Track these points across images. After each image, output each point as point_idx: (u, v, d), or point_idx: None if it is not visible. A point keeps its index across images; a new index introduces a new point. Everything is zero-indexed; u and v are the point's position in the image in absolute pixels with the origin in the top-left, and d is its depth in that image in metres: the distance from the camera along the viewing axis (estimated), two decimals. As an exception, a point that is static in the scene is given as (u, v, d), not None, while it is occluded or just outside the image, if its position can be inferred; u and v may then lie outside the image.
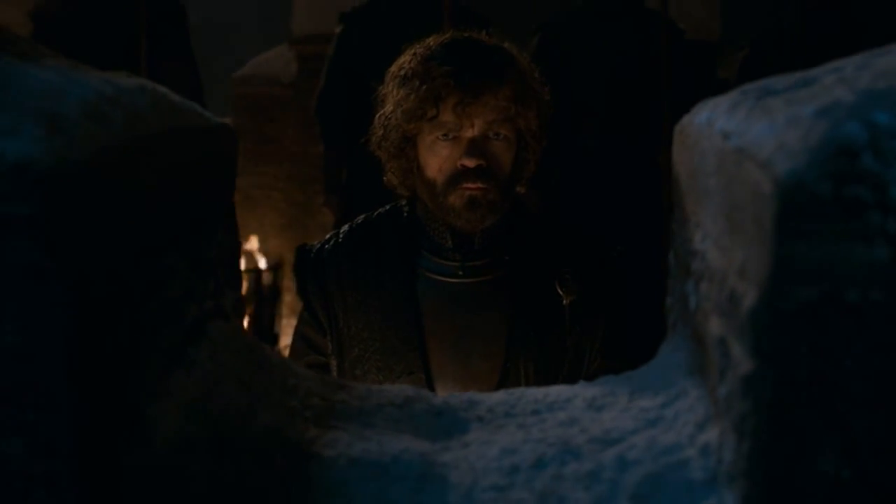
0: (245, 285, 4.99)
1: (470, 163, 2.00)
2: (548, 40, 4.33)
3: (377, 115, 2.14)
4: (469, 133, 2.00)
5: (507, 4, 5.49)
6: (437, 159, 2.02)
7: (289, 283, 5.45)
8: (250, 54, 6.35)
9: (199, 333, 1.16)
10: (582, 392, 1.22)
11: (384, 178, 2.18)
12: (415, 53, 2.07)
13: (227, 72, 6.13)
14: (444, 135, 2.02)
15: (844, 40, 2.96)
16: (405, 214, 2.16)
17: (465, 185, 2.00)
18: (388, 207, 2.21)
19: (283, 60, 6.13)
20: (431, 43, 2.08)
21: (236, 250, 1.34)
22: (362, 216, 2.20)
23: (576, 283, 2.02)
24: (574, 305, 2.01)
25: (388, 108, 2.08)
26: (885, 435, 0.83)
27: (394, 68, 2.12)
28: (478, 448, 1.11)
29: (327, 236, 2.20)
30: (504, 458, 1.06)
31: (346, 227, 2.18)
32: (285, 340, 5.24)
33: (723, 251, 0.97)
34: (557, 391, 1.25)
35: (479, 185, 2.00)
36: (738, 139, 0.94)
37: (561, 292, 2.01)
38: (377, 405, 1.21)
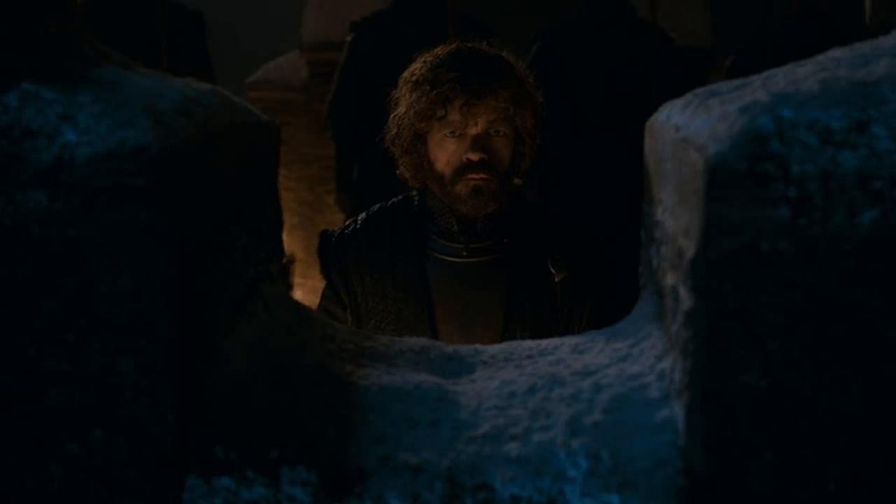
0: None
1: (474, 156, 2.27)
2: (546, 48, 4.59)
3: (391, 116, 2.40)
4: (473, 130, 2.28)
5: (508, 14, 5.75)
6: (445, 154, 2.30)
7: (300, 278, 5.70)
8: (263, 60, 6.62)
9: (254, 291, 1.42)
10: (568, 341, 1.48)
11: (397, 171, 2.45)
12: (425, 61, 2.34)
13: (241, 77, 6.39)
14: (451, 132, 2.29)
15: (822, 48, 3.24)
16: (415, 203, 2.43)
17: (469, 175, 2.27)
18: (400, 197, 2.48)
19: (294, 66, 6.40)
20: (439, 52, 2.35)
21: (280, 226, 1.60)
22: (377, 205, 2.47)
23: (566, 263, 2.29)
24: (564, 283, 2.27)
25: (401, 109, 2.35)
26: (793, 353, 1.09)
27: (406, 74, 2.39)
28: (482, 382, 1.37)
29: (346, 222, 2.47)
30: (503, 388, 1.33)
31: (363, 215, 2.45)
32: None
33: (675, 218, 1.24)
34: (548, 342, 1.51)
35: (483, 175, 2.27)
36: (685, 130, 1.20)
37: (553, 271, 2.28)
38: (399, 351, 1.47)
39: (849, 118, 1.08)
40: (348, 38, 4.85)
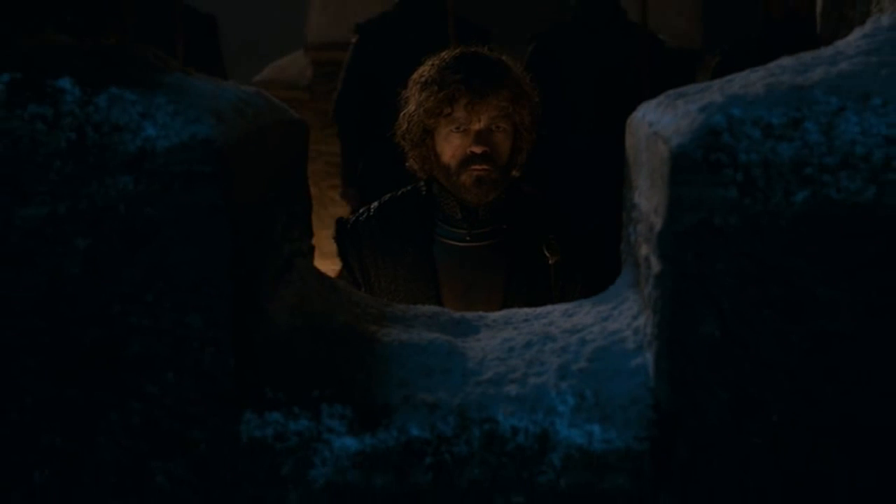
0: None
1: (477, 149, 2.52)
2: (542, 49, 4.83)
3: (401, 113, 2.65)
4: (476, 126, 2.52)
5: (505, 17, 5.99)
6: (451, 147, 2.55)
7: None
8: (269, 60, 6.85)
9: (290, 264, 1.67)
10: (559, 307, 1.73)
11: (406, 163, 2.69)
12: (433, 64, 2.59)
13: (248, 76, 6.63)
14: (457, 128, 2.54)
15: (800, 50, 3.48)
16: (423, 192, 2.68)
17: (473, 167, 2.52)
18: (409, 187, 2.73)
19: (299, 66, 6.63)
20: (446, 56, 2.59)
21: (310, 210, 1.84)
22: (388, 194, 2.72)
23: (559, 247, 2.53)
24: (557, 265, 2.52)
25: (411, 107, 2.59)
26: (742, 309, 1.34)
27: (415, 76, 2.63)
28: (486, 340, 1.61)
29: (360, 211, 2.71)
30: (504, 344, 1.57)
31: (375, 203, 2.70)
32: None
33: (648, 200, 1.48)
34: (542, 308, 1.75)
35: (485, 166, 2.52)
36: (656, 126, 1.45)
37: (547, 254, 2.53)
38: (414, 315, 1.72)
39: (786, 116, 1.32)
40: (353, 40, 5.08)
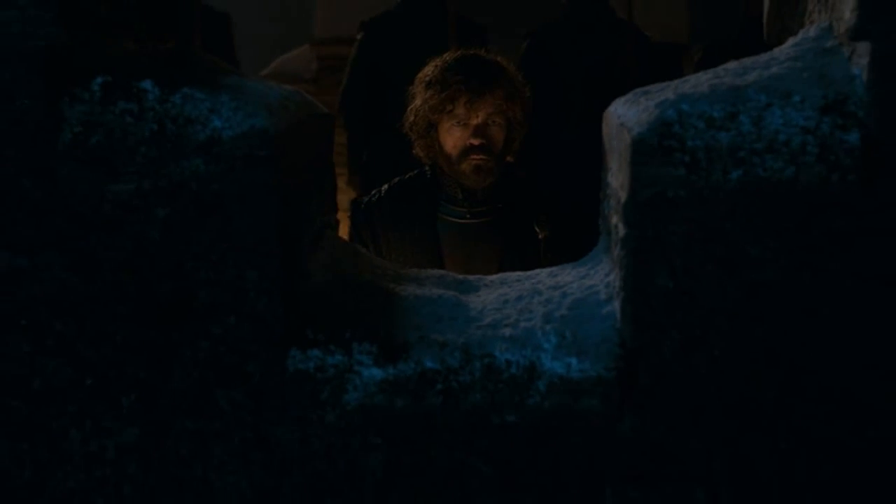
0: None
1: (476, 141, 2.86)
2: (535, 45, 5.16)
3: (408, 108, 2.98)
4: (475, 121, 2.86)
5: (502, 15, 6.31)
6: (453, 139, 2.89)
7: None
8: (276, 54, 7.18)
9: (322, 233, 2.00)
10: (546, 270, 2.06)
11: (413, 150, 3.03)
12: (436, 65, 2.92)
13: (257, 69, 6.95)
14: (458, 122, 2.88)
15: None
16: (428, 176, 3.02)
17: (472, 156, 2.86)
18: (415, 172, 3.07)
19: (305, 60, 6.96)
20: (448, 58, 2.93)
21: (335, 189, 2.18)
22: (397, 178, 3.06)
23: (548, 224, 2.87)
24: (546, 240, 2.86)
25: (417, 103, 2.93)
26: (689, 264, 1.67)
27: (420, 75, 2.96)
28: (485, 295, 1.95)
29: (372, 192, 3.05)
30: (500, 298, 1.91)
31: (385, 186, 3.04)
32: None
33: (616, 178, 1.82)
34: (532, 271, 2.09)
35: (482, 156, 2.86)
36: (623, 118, 1.78)
37: (537, 230, 2.87)
38: (425, 276, 2.06)
39: (725, 110, 1.66)
40: (358, 36, 5.40)
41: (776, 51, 1.86)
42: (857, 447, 1.68)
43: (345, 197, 6.09)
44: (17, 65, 1.66)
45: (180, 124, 1.68)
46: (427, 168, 3.05)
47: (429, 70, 2.95)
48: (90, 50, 1.72)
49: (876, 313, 1.65)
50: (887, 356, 1.65)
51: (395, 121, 3.96)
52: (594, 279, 1.89)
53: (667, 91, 1.76)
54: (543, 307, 1.83)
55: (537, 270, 2.07)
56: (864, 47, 1.65)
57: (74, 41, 1.68)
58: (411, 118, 2.98)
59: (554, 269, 2.04)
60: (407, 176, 3.06)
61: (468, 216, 2.95)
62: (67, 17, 1.65)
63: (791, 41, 1.88)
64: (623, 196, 1.71)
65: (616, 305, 1.77)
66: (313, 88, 6.80)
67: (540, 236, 2.86)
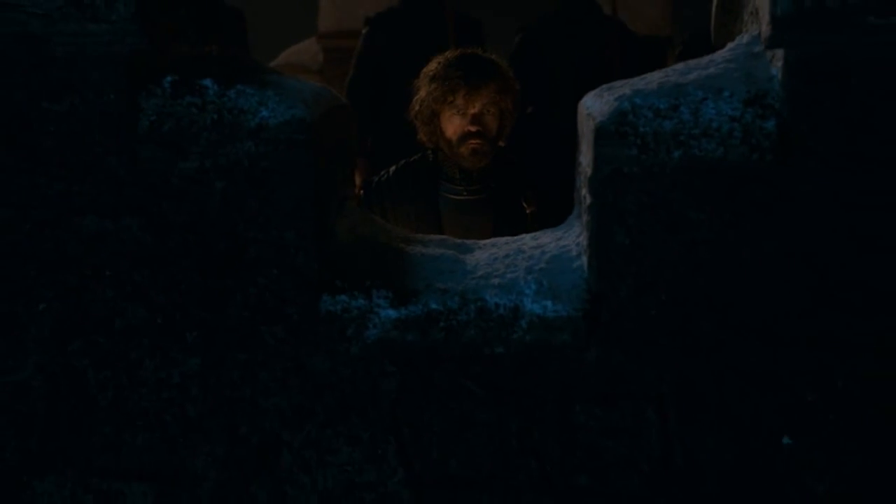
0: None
1: (472, 128, 3.29)
2: (527, 39, 5.58)
3: (414, 99, 3.41)
4: (472, 110, 3.29)
5: (496, 11, 6.73)
6: (453, 126, 3.32)
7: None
8: (284, 46, 7.59)
9: (343, 204, 2.43)
10: (529, 235, 2.49)
11: (417, 137, 3.45)
12: (439, 62, 3.35)
13: (265, 61, 7.36)
14: (457, 112, 3.30)
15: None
16: (430, 158, 3.45)
17: (469, 141, 3.29)
18: (419, 155, 3.49)
19: (311, 52, 7.38)
20: (449, 56, 3.36)
21: (354, 167, 2.60)
22: (403, 161, 3.48)
23: (534, 200, 3.30)
24: (533, 214, 3.28)
25: (422, 94, 3.36)
26: (641, 225, 2.10)
27: (425, 70, 3.39)
28: (478, 255, 2.37)
29: (382, 172, 3.48)
30: (491, 256, 2.34)
31: (393, 167, 3.47)
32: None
33: (585, 157, 2.24)
34: (518, 236, 2.51)
35: (478, 141, 3.29)
36: (590, 109, 2.21)
37: (525, 206, 3.30)
38: (430, 240, 2.48)
39: (669, 103, 2.08)
40: (363, 31, 5.80)
41: (716, 54, 2.29)
42: (772, 370, 2.11)
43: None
44: (105, 67, 2.08)
45: (235, 114, 2.10)
46: (429, 151, 3.48)
47: (432, 66, 3.38)
48: (161, 54, 2.14)
49: (787, 262, 2.07)
50: (797, 297, 2.08)
51: (397, 109, 4.38)
52: (567, 240, 2.32)
53: (625, 87, 2.18)
54: (526, 262, 2.25)
55: (522, 235, 2.49)
56: (780, 53, 2.07)
57: (150, 48, 2.10)
58: (416, 108, 3.40)
59: (536, 233, 2.47)
60: (412, 159, 3.49)
61: (465, 193, 3.38)
62: (146, 29, 2.07)
63: (729, 45, 2.31)
64: (589, 171, 2.14)
65: (584, 260, 2.20)
66: (319, 78, 7.20)
67: (528, 211, 3.29)
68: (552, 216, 3.29)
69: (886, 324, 2.08)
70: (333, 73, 6.93)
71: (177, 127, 2.10)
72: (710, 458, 2.16)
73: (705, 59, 2.28)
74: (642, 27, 6.33)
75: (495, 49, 5.44)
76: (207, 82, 2.11)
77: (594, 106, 2.19)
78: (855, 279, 2.07)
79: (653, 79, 2.20)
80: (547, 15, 5.69)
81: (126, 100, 2.10)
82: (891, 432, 2.13)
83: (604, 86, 2.32)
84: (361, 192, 3.43)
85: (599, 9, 5.66)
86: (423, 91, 3.37)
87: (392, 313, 2.15)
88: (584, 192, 2.23)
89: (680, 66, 2.27)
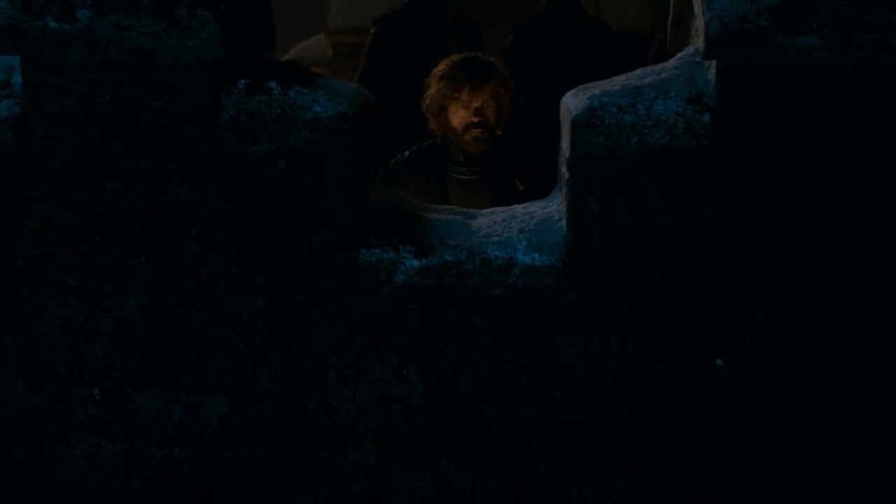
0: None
1: (475, 119, 3.93)
2: (520, 37, 6.20)
3: (426, 94, 4.03)
4: (475, 104, 3.92)
5: (492, 12, 7.35)
6: (458, 118, 3.95)
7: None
8: (295, 41, 8.20)
9: (374, 181, 3.05)
10: (522, 204, 3.12)
11: (428, 126, 4.08)
12: (447, 64, 3.98)
13: (279, 55, 7.98)
14: (462, 105, 3.94)
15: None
16: (439, 145, 4.08)
17: (472, 130, 3.92)
18: (428, 142, 4.12)
19: (321, 47, 7.99)
20: (455, 59, 3.99)
21: (381, 151, 3.23)
22: (416, 146, 4.11)
23: (525, 178, 3.93)
24: (525, 191, 3.91)
25: (432, 91, 3.99)
26: (608, 195, 2.73)
27: (435, 71, 4.01)
28: (481, 220, 3.01)
29: (397, 156, 4.11)
30: (490, 221, 2.97)
31: (407, 152, 4.10)
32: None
33: (564, 143, 2.87)
34: (511, 206, 3.14)
35: (480, 130, 3.93)
36: (568, 105, 2.84)
37: (518, 184, 3.93)
38: (441, 209, 3.11)
39: (629, 101, 2.71)
40: (372, 30, 6.40)
41: (668, 62, 2.91)
42: (708, 307, 2.75)
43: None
44: (195, 72, 2.70)
45: (294, 109, 2.73)
46: (438, 139, 4.11)
47: (441, 67, 4.01)
48: (236, 63, 2.77)
49: (718, 223, 2.71)
50: (726, 249, 2.71)
51: (403, 101, 5.04)
52: (551, 208, 2.95)
53: (595, 88, 2.81)
54: (518, 225, 2.89)
55: (515, 205, 3.12)
56: (713, 63, 2.70)
57: (229, 57, 2.72)
58: (427, 102, 4.04)
59: (526, 203, 3.10)
60: (423, 145, 4.12)
61: (468, 173, 4.01)
62: (226, 44, 2.69)
63: (678, 55, 2.94)
64: (567, 154, 2.77)
65: (563, 223, 2.83)
66: (328, 71, 7.81)
67: (520, 188, 3.92)
68: (539, 190, 3.92)
69: (795, 270, 2.71)
70: (341, 66, 7.53)
71: (249, 119, 2.73)
72: (661, 376, 2.79)
73: (659, 66, 2.91)
74: (624, 26, 6.95)
75: (488, 43, 6.09)
76: (272, 84, 2.74)
77: (572, 103, 2.82)
78: (770, 235, 2.71)
79: (617, 81, 2.83)
80: (537, 15, 6.31)
81: (210, 98, 2.72)
82: (800, 355, 2.76)
83: (580, 87, 2.95)
84: (381, 171, 4.06)
85: (584, 10, 6.28)
86: (433, 88, 4.00)
87: (415, 263, 2.78)
88: (563, 169, 2.86)
89: (639, 71, 2.90)
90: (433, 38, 5.94)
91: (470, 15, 6.33)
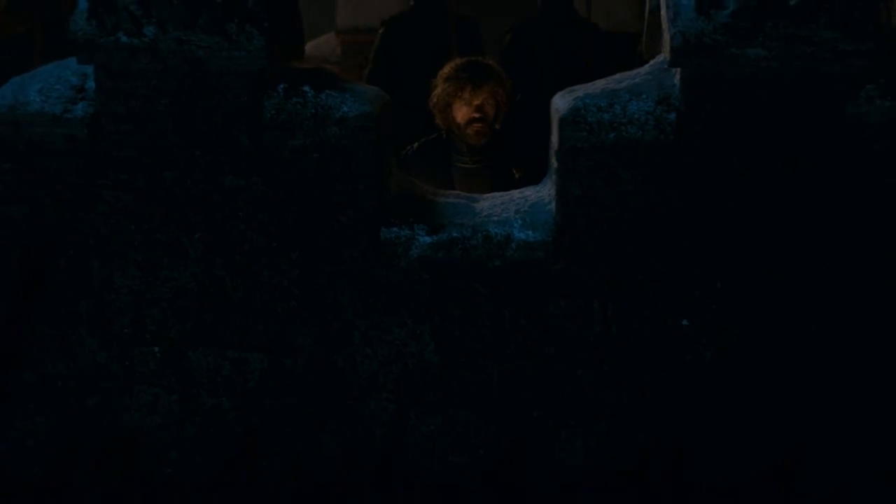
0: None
1: (476, 115, 4.46)
2: (516, 38, 6.70)
3: (432, 93, 4.55)
4: (476, 102, 4.45)
5: (491, 14, 7.86)
6: (462, 113, 4.48)
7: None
8: (306, 39, 8.70)
9: (391, 170, 3.56)
10: (517, 190, 3.63)
11: (435, 121, 4.60)
12: (452, 66, 4.50)
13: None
14: (465, 103, 4.46)
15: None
16: (444, 137, 4.60)
17: (474, 125, 4.45)
18: (434, 135, 4.64)
19: (331, 45, 8.50)
20: (459, 62, 4.51)
21: (394, 149, 3.73)
22: (424, 138, 4.63)
23: (521, 167, 4.45)
24: (520, 178, 4.42)
25: (439, 90, 4.51)
26: (590, 182, 3.23)
27: (441, 72, 4.54)
28: (483, 203, 3.52)
29: (407, 148, 4.62)
30: (491, 203, 3.48)
31: (416, 144, 4.61)
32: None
33: (553, 137, 3.38)
34: (509, 192, 3.65)
35: (480, 125, 4.46)
36: (556, 105, 3.34)
37: (514, 172, 4.45)
38: (449, 193, 3.62)
39: (607, 102, 3.21)
40: (380, 31, 6.91)
41: (642, 69, 3.42)
42: (674, 276, 3.26)
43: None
44: (242, 78, 3.21)
45: (325, 109, 3.23)
46: (443, 132, 4.63)
47: (447, 70, 4.54)
48: (276, 70, 3.27)
49: (683, 205, 3.22)
50: (690, 227, 3.22)
51: (408, 97, 5.56)
52: (543, 192, 3.46)
53: (579, 91, 3.32)
54: (515, 207, 3.40)
55: (512, 191, 3.63)
56: (678, 70, 3.20)
57: (270, 66, 3.23)
58: (434, 100, 4.56)
59: (521, 189, 3.61)
60: (431, 137, 4.65)
61: (470, 163, 4.54)
62: (268, 54, 3.19)
63: (650, 63, 3.44)
64: (556, 146, 3.28)
65: (553, 205, 3.33)
66: (337, 69, 8.31)
67: (517, 176, 4.44)
68: (533, 177, 4.44)
69: (748, 245, 3.22)
70: (350, 64, 8.04)
71: (288, 118, 3.23)
72: (635, 335, 3.30)
73: (634, 72, 3.41)
74: (614, 25, 7.45)
75: (488, 41, 6.59)
76: (307, 88, 3.25)
77: (559, 103, 3.32)
78: (727, 215, 3.21)
79: (598, 85, 3.34)
80: (532, 17, 6.81)
81: (254, 100, 3.22)
82: (753, 316, 3.27)
83: (567, 89, 3.45)
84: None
85: (576, 12, 6.79)
86: (440, 88, 4.53)
87: (427, 239, 3.29)
88: (553, 160, 3.37)
89: (617, 76, 3.41)
90: (436, 38, 6.44)
91: (470, 16, 6.84)
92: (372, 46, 6.98)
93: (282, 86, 3.24)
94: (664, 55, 3.34)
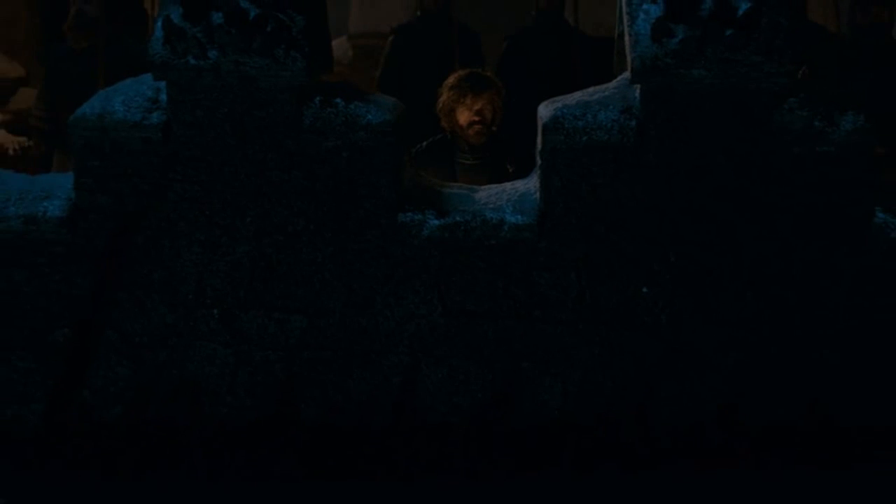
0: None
1: (477, 118, 5.26)
2: (513, 46, 7.47)
3: (439, 100, 5.33)
4: (476, 107, 5.24)
5: (489, 24, 8.63)
6: (464, 117, 5.27)
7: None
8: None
9: (405, 166, 4.33)
10: (510, 182, 4.39)
11: (440, 123, 5.37)
12: (455, 77, 5.28)
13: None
14: (467, 108, 5.25)
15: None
16: (448, 138, 5.38)
17: (475, 126, 5.24)
18: (440, 136, 5.42)
19: (343, 48, 9.26)
20: (461, 73, 5.29)
21: (406, 149, 4.50)
22: (430, 138, 5.41)
23: (514, 164, 5.22)
24: (513, 172, 5.19)
25: (444, 97, 5.30)
26: (569, 175, 4.00)
27: (446, 82, 5.32)
28: (481, 193, 4.28)
29: (416, 146, 5.39)
30: (488, 193, 4.25)
31: (424, 143, 5.39)
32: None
33: (539, 139, 4.13)
34: (503, 184, 4.41)
35: (480, 127, 5.25)
36: (541, 114, 4.10)
37: (508, 168, 5.22)
38: (453, 185, 4.39)
39: (581, 111, 3.98)
40: (389, 38, 7.66)
41: (610, 84, 4.18)
42: (634, 254, 4.02)
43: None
44: (286, 92, 3.98)
45: (353, 118, 4.00)
46: (448, 133, 5.42)
47: (451, 80, 5.34)
48: (313, 85, 4.04)
49: (644, 196, 3.98)
50: (648, 215, 3.99)
51: (415, 101, 6.33)
52: (530, 184, 4.22)
53: (559, 102, 4.08)
54: (507, 196, 4.16)
55: (506, 183, 4.40)
56: (638, 86, 3.96)
57: (308, 82, 3.99)
58: (440, 105, 5.35)
59: (513, 181, 4.38)
60: (437, 137, 5.44)
61: (471, 160, 5.33)
62: (308, 73, 3.96)
63: (618, 78, 4.21)
64: (540, 147, 4.04)
65: (538, 194, 4.10)
66: (348, 71, 9.07)
67: (510, 171, 5.22)
68: (524, 172, 5.22)
69: (698, 227, 3.99)
70: (361, 66, 8.81)
71: (323, 124, 4.00)
72: (605, 300, 4.07)
73: (603, 86, 4.18)
74: (602, 32, 8.21)
75: (487, 50, 7.34)
76: (338, 100, 4.01)
77: (543, 112, 4.09)
78: (680, 204, 3.98)
79: (574, 97, 4.10)
80: (527, 27, 7.58)
81: (296, 110, 3.99)
82: (701, 285, 4.04)
83: (549, 100, 4.20)
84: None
85: (567, 23, 7.55)
86: (445, 95, 5.32)
87: (436, 222, 4.05)
88: (538, 158, 4.13)
89: (590, 90, 4.17)
90: (440, 46, 7.20)
91: (471, 26, 7.61)
92: (382, 51, 7.74)
93: (318, 98, 4.01)
94: (627, 73, 4.10)
